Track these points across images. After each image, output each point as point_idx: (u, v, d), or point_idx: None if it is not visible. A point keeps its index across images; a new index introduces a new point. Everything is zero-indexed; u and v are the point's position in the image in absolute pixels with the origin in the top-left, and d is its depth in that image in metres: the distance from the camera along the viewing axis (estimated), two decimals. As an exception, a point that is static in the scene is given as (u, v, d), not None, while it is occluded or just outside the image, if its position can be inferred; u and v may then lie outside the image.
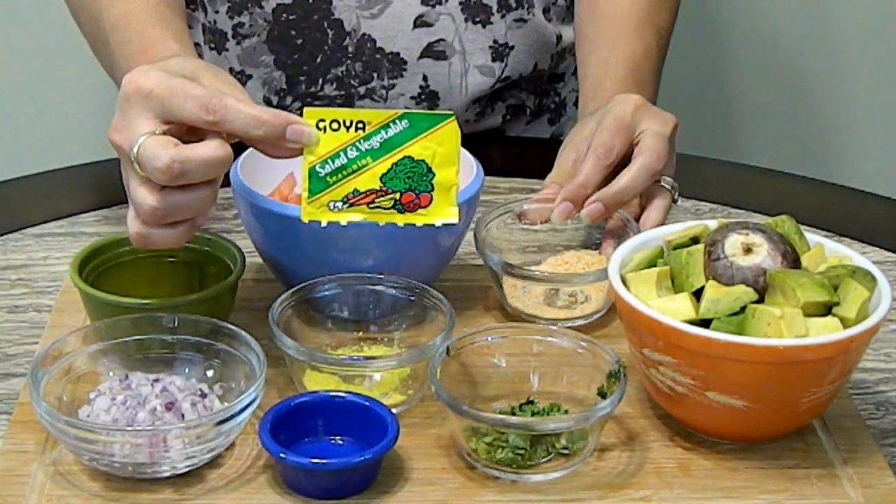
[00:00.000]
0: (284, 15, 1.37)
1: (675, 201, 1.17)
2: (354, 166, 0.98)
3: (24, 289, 1.17)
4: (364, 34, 1.38)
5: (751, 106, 2.18)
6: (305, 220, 0.99)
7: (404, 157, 0.98)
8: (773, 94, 2.16)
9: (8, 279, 1.19)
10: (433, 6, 1.38)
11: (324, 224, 0.99)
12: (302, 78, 1.41)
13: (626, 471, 0.97)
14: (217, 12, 1.40)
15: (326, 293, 1.06)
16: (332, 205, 0.99)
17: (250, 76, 1.42)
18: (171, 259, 1.11)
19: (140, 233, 0.99)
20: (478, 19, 1.40)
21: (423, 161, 0.99)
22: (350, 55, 1.39)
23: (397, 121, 0.98)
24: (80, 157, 1.45)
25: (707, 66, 2.14)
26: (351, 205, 0.99)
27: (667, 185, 1.16)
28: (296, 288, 1.05)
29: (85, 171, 1.40)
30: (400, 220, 0.99)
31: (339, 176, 0.99)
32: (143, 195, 0.97)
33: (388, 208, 0.99)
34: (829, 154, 2.20)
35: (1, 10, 2.06)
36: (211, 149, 0.96)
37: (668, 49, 1.40)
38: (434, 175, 0.99)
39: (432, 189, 0.99)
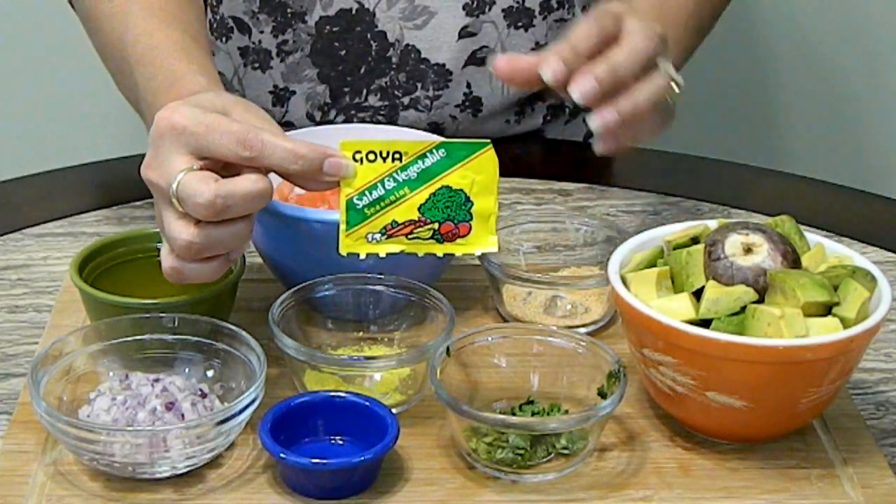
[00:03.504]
0: (328, 27, 1.38)
1: (675, 92, 1.05)
2: (392, 197, 0.98)
3: (24, 289, 1.17)
4: (408, 45, 1.38)
5: (762, 106, 2.18)
6: (344, 252, 0.98)
7: (442, 187, 0.98)
8: (785, 95, 2.16)
9: (8, 279, 1.19)
10: (477, 16, 1.38)
11: (362, 257, 0.98)
12: (346, 90, 1.41)
13: (626, 471, 0.97)
14: (262, 32, 1.40)
15: (326, 293, 1.06)
16: (370, 237, 0.98)
17: (294, 92, 1.42)
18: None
19: (175, 267, 0.98)
20: (520, 24, 1.40)
21: (461, 190, 0.98)
22: (394, 66, 1.39)
23: (434, 150, 0.97)
24: (80, 157, 1.45)
25: (716, 67, 2.14)
26: (389, 236, 0.98)
27: (662, 70, 1.05)
28: (296, 288, 1.05)
29: (85, 171, 1.40)
30: (439, 250, 0.98)
31: (377, 207, 0.98)
32: (179, 229, 0.96)
33: (427, 239, 0.98)
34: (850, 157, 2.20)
35: (1, 11, 2.06)
36: (252, 182, 0.95)
37: (708, 19, 1.35)
38: (472, 204, 0.98)
39: (471, 218, 0.98)
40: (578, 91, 1.00)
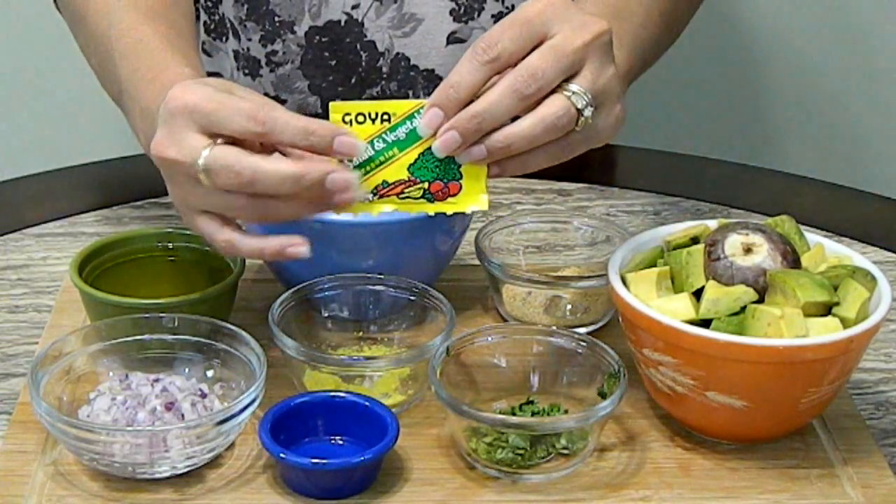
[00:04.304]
0: (317, 37, 1.38)
1: (579, 121, 0.95)
2: (382, 158, 0.98)
3: (24, 289, 1.17)
4: (398, 53, 1.38)
5: (762, 107, 2.18)
6: (337, 213, 0.98)
7: (431, 147, 0.98)
8: (785, 95, 2.17)
9: (8, 279, 1.19)
10: (465, 21, 1.38)
11: (355, 216, 0.98)
12: (337, 100, 1.40)
13: (626, 471, 0.97)
14: (250, 40, 1.40)
15: (326, 293, 1.06)
16: (366, 195, 0.98)
17: (285, 101, 1.42)
18: (171, 259, 1.11)
19: (227, 240, 0.97)
20: None
21: None
22: (384, 75, 1.39)
23: (422, 110, 0.97)
24: (80, 157, 1.45)
25: (716, 67, 2.14)
26: (381, 196, 0.98)
27: (567, 93, 0.95)
28: (296, 288, 1.05)
29: (85, 171, 1.40)
30: (430, 209, 0.99)
31: (368, 168, 0.98)
32: (218, 197, 0.95)
33: (418, 198, 0.98)
34: (845, 157, 2.20)
35: (1, 11, 2.06)
36: (282, 163, 0.94)
37: (669, 20, 1.27)
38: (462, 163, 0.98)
39: (461, 177, 0.98)
40: (441, 146, 0.96)
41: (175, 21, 1.16)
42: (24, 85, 2.10)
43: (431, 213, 0.99)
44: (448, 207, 0.99)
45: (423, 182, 0.98)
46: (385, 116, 0.97)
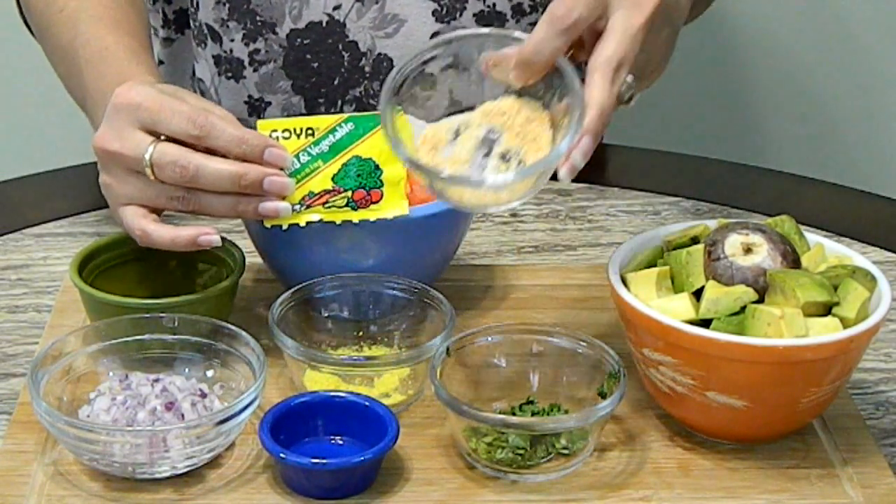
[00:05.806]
0: (299, 40, 1.39)
1: (628, 102, 1.00)
2: (307, 170, 1.04)
3: (24, 289, 1.17)
4: (380, 54, 1.39)
5: (761, 107, 2.18)
6: (268, 225, 1.03)
7: (352, 157, 1.04)
8: (784, 96, 2.17)
9: (8, 279, 1.19)
10: (448, 22, 1.39)
11: (284, 227, 1.03)
12: (321, 101, 1.42)
13: (626, 471, 0.97)
14: (232, 40, 1.41)
15: (326, 293, 1.06)
16: (291, 208, 1.03)
17: (269, 103, 1.43)
18: (171, 259, 1.11)
19: (144, 230, 1.03)
20: None
21: (370, 159, 1.04)
22: (367, 75, 1.40)
23: (343, 124, 1.04)
24: (80, 157, 1.45)
25: (716, 67, 2.14)
26: (308, 206, 1.03)
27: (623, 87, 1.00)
28: (296, 288, 1.05)
29: (85, 171, 1.40)
30: (354, 216, 1.04)
31: (295, 181, 1.03)
32: (159, 189, 1.02)
33: (342, 206, 1.04)
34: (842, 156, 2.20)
35: (1, 11, 2.06)
36: (223, 162, 1.01)
37: None
38: (382, 171, 1.04)
39: (382, 185, 1.04)
40: (568, 174, 0.96)
41: (136, 31, 1.22)
42: (24, 85, 2.10)
43: (356, 220, 1.04)
44: (371, 214, 1.04)
45: (346, 191, 1.04)
46: (309, 131, 1.04)
